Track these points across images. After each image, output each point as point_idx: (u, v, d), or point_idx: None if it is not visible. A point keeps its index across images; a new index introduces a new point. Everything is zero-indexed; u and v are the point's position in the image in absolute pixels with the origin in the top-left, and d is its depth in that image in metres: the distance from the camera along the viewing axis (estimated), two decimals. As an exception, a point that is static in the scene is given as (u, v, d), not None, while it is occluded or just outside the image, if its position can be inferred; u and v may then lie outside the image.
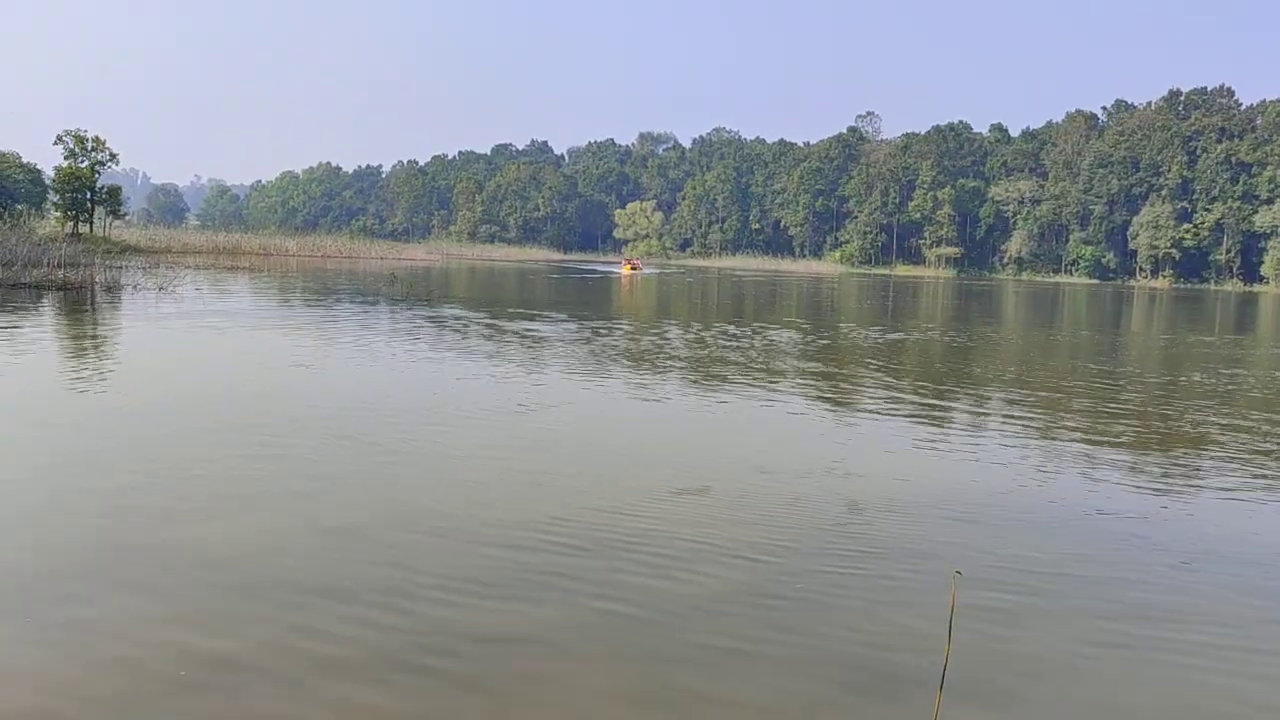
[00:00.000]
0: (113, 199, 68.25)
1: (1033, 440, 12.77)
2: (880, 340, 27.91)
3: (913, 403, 15.70)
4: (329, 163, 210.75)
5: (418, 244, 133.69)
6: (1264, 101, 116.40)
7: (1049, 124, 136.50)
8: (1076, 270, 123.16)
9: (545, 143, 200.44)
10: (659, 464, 10.45)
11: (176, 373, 16.12)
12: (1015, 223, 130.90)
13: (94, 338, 21.39)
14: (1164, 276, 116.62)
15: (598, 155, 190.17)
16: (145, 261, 57.32)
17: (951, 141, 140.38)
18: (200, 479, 9.08)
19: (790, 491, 9.38)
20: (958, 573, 5.30)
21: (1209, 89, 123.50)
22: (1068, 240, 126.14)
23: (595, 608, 6.30)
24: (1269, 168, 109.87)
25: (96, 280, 36.65)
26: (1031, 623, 6.40)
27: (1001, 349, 27.76)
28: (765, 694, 5.25)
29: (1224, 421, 14.63)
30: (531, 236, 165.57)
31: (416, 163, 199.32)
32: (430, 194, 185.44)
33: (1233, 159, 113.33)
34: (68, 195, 65.80)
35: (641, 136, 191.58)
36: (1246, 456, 12.05)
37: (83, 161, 66.12)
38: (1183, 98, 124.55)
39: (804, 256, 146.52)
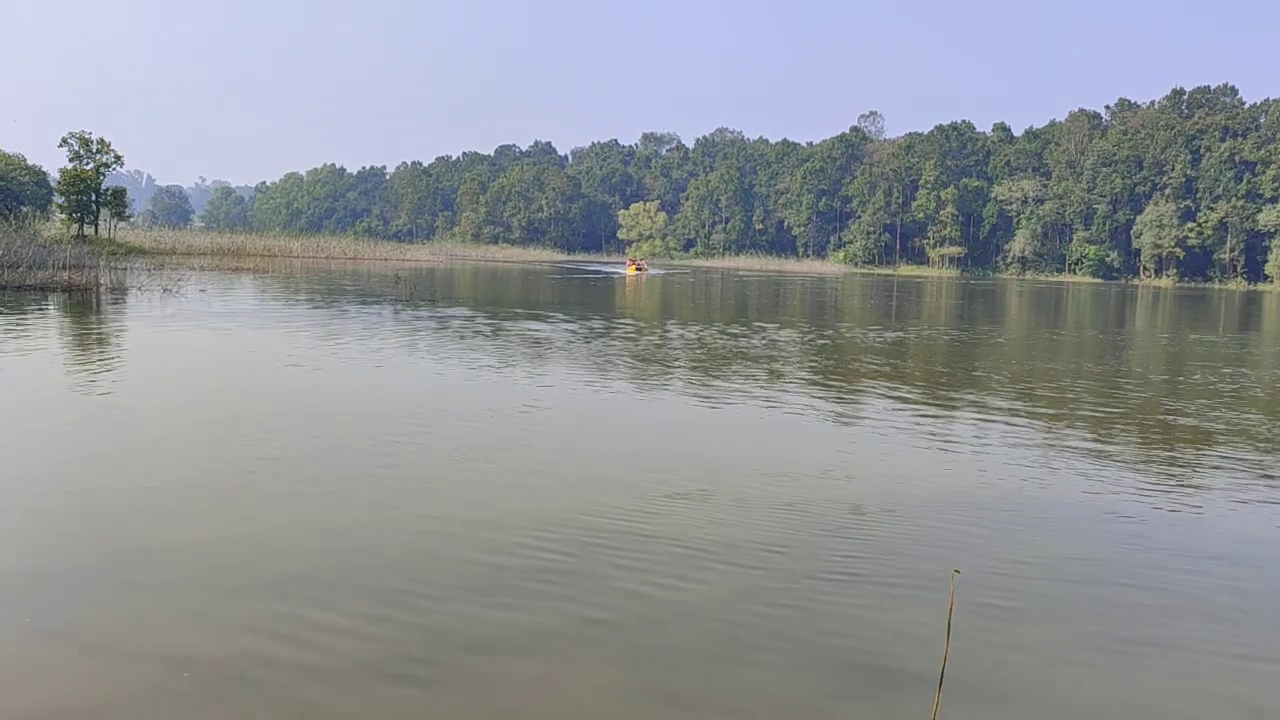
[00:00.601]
0: (118, 201, 68.33)
1: (1033, 440, 12.77)
2: (882, 340, 27.88)
3: (914, 403, 15.70)
4: (333, 164, 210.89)
5: (421, 245, 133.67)
6: (1267, 100, 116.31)
7: (1052, 123, 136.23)
8: (1080, 270, 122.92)
9: (549, 144, 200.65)
10: (659, 465, 10.45)
11: (178, 375, 16.16)
12: (1019, 222, 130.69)
13: (98, 339, 21.45)
14: (1168, 276, 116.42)
15: (601, 156, 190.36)
16: (150, 263, 57.52)
17: (954, 141, 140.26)
18: (201, 480, 9.11)
19: (790, 492, 9.39)
20: (956, 572, 5.31)
21: (1212, 88, 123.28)
22: (1071, 239, 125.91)
23: (591, 616, 6.29)
24: (1273, 166, 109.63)
25: (101, 282, 36.73)
26: (1031, 623, 6.41)
27: (1004, 349, 27.74)
28: (765, 695, 5.26)
29: (1225, 421, 14.62)
30: (535, 237, 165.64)
31: (420, 164, 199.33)
32: (434, 195, 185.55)
33: (1236, 158, 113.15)
34: (73, 197, 65.86)
35: (645, 137, 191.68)
36: (1247, 456, 12.05)
37: (88, 164, 66.21)
38: (1186, 97, 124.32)
39: (807, 257, 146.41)
